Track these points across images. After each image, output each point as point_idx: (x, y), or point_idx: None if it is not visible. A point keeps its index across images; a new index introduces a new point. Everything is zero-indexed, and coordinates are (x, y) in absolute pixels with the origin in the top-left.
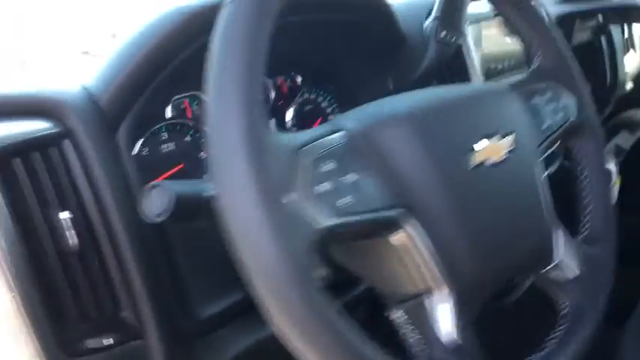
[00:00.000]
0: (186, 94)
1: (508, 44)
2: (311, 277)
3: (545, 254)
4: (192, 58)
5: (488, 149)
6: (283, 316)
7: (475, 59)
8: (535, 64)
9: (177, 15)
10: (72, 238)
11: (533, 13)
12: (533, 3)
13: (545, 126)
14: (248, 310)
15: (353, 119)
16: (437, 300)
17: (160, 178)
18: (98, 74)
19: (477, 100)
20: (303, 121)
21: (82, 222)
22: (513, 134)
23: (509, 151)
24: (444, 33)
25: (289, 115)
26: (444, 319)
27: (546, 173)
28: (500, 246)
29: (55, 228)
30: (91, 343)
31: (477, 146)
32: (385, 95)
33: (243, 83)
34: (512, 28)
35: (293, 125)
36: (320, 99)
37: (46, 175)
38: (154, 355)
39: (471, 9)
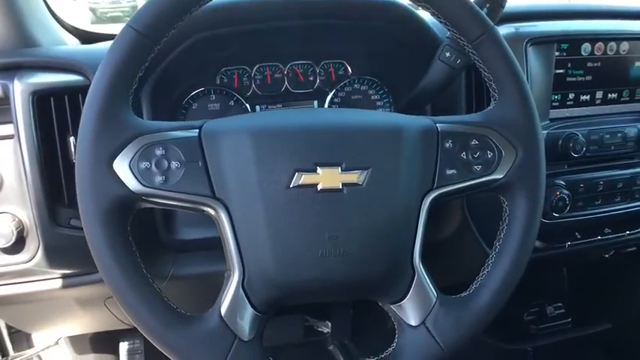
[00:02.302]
0: (236, 67)
1: None
2: (115, 221)
3: (380, 290)
4: (241, 39)
5: (321, 176)
6: (90, 239)
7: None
8: (490, 107)
9: None
10: (73, 154)
11: (500, 52)
12: (499, 40)
13: (450, 172)
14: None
15: (210, 124)
16: (231, 279)
17: None
18: None
19: (332, 131)
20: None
21: None
22: (366, 171)
23: (349, 183)
24: (448, 54)
25: (328, 99)
26: (228, 298)
27: None
28: (307, 263)
29: (65, 146)
30: (75, 222)
31: (306, 171)
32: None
33: (110, 80)
34: (477, 64)
35: None
36: (371, 92)
37: (68, 112)
38: None
39: None
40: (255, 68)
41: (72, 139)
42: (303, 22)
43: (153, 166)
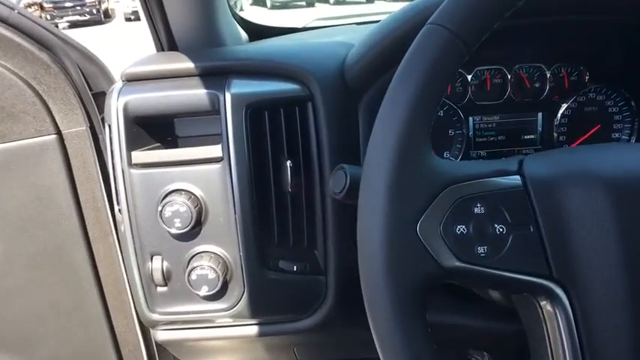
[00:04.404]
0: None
1: None
2: (415, 308)
3: None
4: None
5: None
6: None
7: None
8: None
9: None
10: (289, 182)
11: None
12: None
13: None
14: None
15: (538, 164)
16: None
17: None
18: (354, 50)
19: None
20: (576, 123)
21: (299, 170)
22: None
23: None
24: None
25: (560, 112)
26: None
27: None
28: None
29: (279, 171)
30: (283, 264)
31: None
32: None
33: (409, 108)
34: None
35: (562, 125)
36: (609, 103)
37: (284, 128)
38: (329, 290)
39: None
40: (472, 72)
41: (289, 163)
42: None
43: (471, 230)
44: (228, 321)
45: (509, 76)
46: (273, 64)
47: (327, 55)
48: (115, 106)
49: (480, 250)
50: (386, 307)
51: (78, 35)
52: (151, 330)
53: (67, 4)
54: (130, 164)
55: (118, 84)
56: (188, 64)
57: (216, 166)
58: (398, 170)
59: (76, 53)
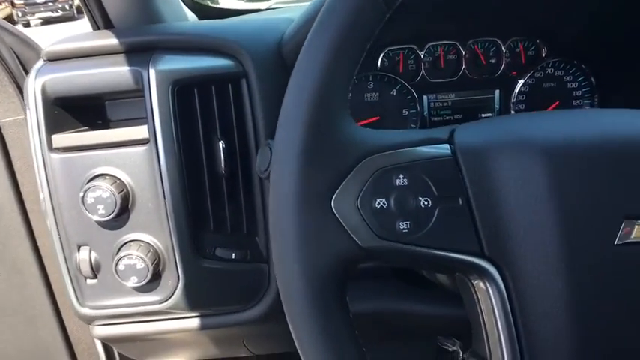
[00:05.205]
0: (403, 47)
1: None
2: (331, 291)
3: None
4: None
5: None
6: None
7: None
8: None
9: None
10: (223, 164)
11: None
12: None
13: None
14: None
15: (465, 135)
16: None
17: None
18: (291, 25)
19: None
20: (534, 100)
21: (234, 152)
22: None
23: None
24: None
25: (517, 88)
26: None
27: None
28: None
29: (211, 153)
30: (220, 252)
31: None
32: None
33: (320, 71)
34: None
35: (519, 102)
36: (568, 78)
37: (215, 107)
38: (272, 278)
39: None
40: (425, 48)
41: (221, 143)
42: None
43: (392, 204)
44: (167, 314)
45: (463, 52)
46: (202, 39)
47: (265, 30)
48: (33, 87)
49: (402, 225)
50: (301, 300)
51: (51, 31)
52: (89, 326)
53: (39, 0)
54: (51, 148)
55: (38, 63)
56: (112, 41)
57: (142, 149)
58: (308, 138)
59: (10, 37)
